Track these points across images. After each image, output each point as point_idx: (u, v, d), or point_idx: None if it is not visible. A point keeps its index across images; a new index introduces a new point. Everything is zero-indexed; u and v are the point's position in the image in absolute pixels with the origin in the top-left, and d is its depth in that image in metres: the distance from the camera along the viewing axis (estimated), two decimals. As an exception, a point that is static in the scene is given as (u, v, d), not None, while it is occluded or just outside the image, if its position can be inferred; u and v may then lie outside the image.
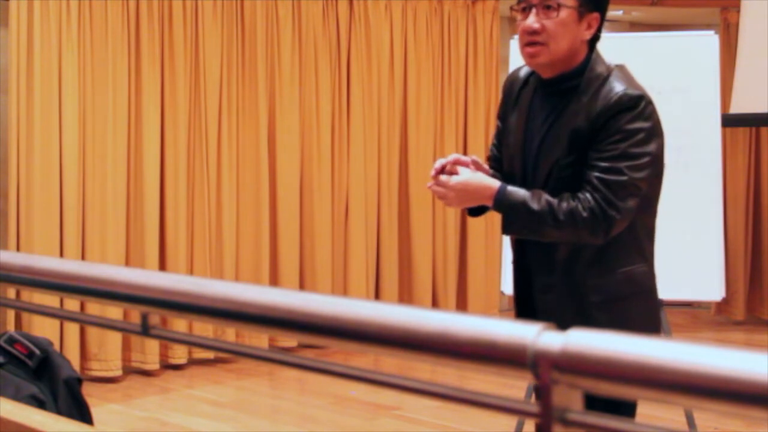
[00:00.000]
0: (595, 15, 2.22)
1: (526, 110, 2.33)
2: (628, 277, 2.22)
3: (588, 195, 2.12)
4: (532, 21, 2.20)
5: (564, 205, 2.13)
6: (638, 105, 2.14)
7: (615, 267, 2.21)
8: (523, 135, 2.31)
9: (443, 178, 2.23)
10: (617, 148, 2.12)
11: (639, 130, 2.13)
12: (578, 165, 2.17)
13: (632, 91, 2.15)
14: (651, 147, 2.16)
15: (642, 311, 2.26)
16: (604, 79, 2.18)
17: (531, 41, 2.22)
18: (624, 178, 2.11)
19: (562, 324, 2.13)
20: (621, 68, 2.24)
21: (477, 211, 2.35)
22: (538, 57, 2.22)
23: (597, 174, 2.12)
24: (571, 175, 2.18)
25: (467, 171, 2.24)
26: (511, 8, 2.30)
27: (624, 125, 2.12)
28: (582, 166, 2.16)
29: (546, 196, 2.15)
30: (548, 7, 2.18)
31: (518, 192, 2.18)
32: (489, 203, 2.22)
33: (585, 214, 2.10)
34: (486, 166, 2.34)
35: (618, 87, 2.15)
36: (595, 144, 2.14)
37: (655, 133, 2.17)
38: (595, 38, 2.25)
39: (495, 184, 2.21)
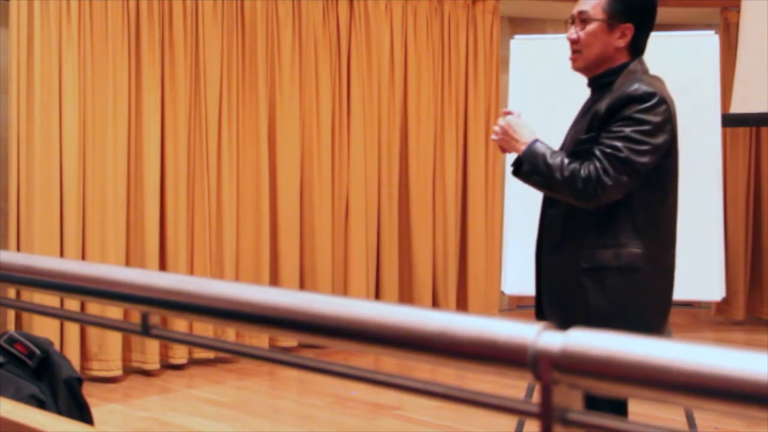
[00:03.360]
0: (628, 25, 2.55)
1: (578, 113, 2.72)
2: (617, 253, 2.49)
3: (589, 163, 2.45)
4: (570, 32, 2.62)
5: (571, 165, 2.47)
6: (650, 99, 2.44)
7: (608, 243, 2.49)
8: (567, 132, 2.71)
9: (500, 119, 2.65)
10: (622, 131, 2.43)
11: (646, 121, 2.44)
12: (590, 143, 2.49)
13: (649, 88, 2.46)
14: (656, 140, 2.45)
15: (629, 287, 2.50)
16: (635, 79, 2.50)
17: (572, 50, 2.62)
18: (622, 155, 2.42)
19: (558, 285, 2.46)
20: (655, 77, 2.57)
21: (518, 169, 2.66)
22: (575, 62, 2.62)
23: (600, 148, 2.45)
24: (583, 152, 2.48)
25: (519, 120, 2.64)
26: (566, 22, 2.68)
27: (633, 113, 2.44)
28: (593, 144, 2.48)
29: (563, 156, 2.51)
30: (582, 21, 2.58)
31: (545, 146, 2.56)
32: (522, 149, 2.57)
33: (583, 175, 2.43)
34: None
35: (639, 83, 2.47)
36: (606, 126, 2.46)
37: (663, 130, 2.46)
38: (635, 45, 2.58)
39: (533, 134, 2.59)
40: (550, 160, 2.50)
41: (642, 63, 2.59)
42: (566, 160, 2.49)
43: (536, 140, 2.57)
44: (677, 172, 2.57)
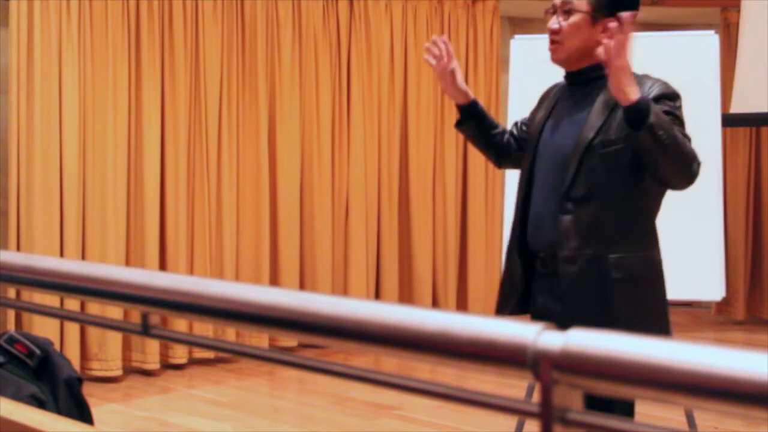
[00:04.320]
0: (611, 19, 2.43)
1: (549, 108, 2.62)
2: (647, 261, 2.41)
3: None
4: (552, 22, 2.53)
5: (673, 131, 2.28)
6: (678, 99, 2.42)
7: (637, 249, 2.40)
8: (542, 126, 2.59)
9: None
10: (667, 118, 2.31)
11: (679, 117, 2.39)
12: (620, 143, 2.36)
13: (673, 88, 2.42)
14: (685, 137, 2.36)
15: (654, 298, 2.43)
16: (636, 75, 2.39)
17: (551, 39, 2.54)
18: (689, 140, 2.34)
19: (581, 297, 2.23)
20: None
21: (462, 122, 2.67)
22: (555, 53, 2.54)
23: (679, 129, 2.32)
24: (612, 154, 2.37)
25: None
26: (545, 11, 2.60)
27: (671, 109, 2.36)
28: (624, 143, 2.34)
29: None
30: (565, 11, 2.50)
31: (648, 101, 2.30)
32: (636, 94, 2.24)
33: (690, 145, 2.31)
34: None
35: (657, 80, 2.43)
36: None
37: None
38: None
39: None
40: (666, 120, 2.27)
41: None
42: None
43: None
44: None
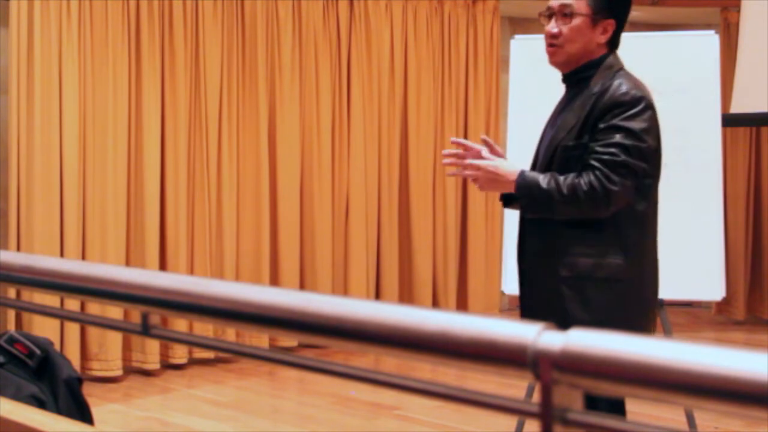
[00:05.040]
0: (610, 21, 2.51)
1: (553, 111, 2.66)
2: (600, 264, 2.42)
3: (588, 173, 2.37)
4: (551, 26, 2.53)
5: (567, 181, 2.38)
6: (638, 105, 2.39)
7: (590, 253, 2.43)
8: (543, 129, 2.65)
9: (474, 161, 2.54)
10: (613, 138, 2.37)
11: (635, 127, 2.38)
12: (581, 149, 2.42)
13: (636, 92, 2.41)
14: (645, 144, 2.39)
15: (610, 299, 2.43)
16: (614, 75, 2.45)
17: (550, 43, 2.54)
18: (620, 158, 2.35)
19: (535, 289, 2.37)
20: (631, 75, 2.51)
21: (509, 201, 2.60)
22: (555, 56, 2.55)
23: (595, 156, 2.38)
24: (574, 158, 2.42)
25: (494, 157, 2.56)
26: (539, 14, 2.60)
27: (622, 122, 2.38)
28: (584, 150, 2.41)
29: (555, 176, 2.41)
30: (565, 15, 2.51)
31: (533, 174, 2.46)
32: (512, 187, 2.47)
33: (585, 188, 2.35)
34: (498, 147, 2.64)
35: (625, 86, 2.42)
36: (595, 134, 2.40)
37: (650, 132, 2.41)
38: (614, 40, 2.54)
39: (517, 168, 2.48)
40: (545, 186, 2.39)
41: (617, 58, 2.55)
42: (561, 178, 2.39)
43: (522, 171, 2.47)
44: (659, 180, 2.51)
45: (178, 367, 5.54)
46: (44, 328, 4.80)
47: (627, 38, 2.63)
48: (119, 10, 5.31)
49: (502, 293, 4.87)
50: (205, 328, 5.30)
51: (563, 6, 2.51)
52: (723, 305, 6.98)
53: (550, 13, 2.55)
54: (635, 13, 7.21)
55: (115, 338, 5.23)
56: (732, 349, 0.70)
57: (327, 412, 4.66)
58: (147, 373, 5.39)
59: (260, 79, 5.81)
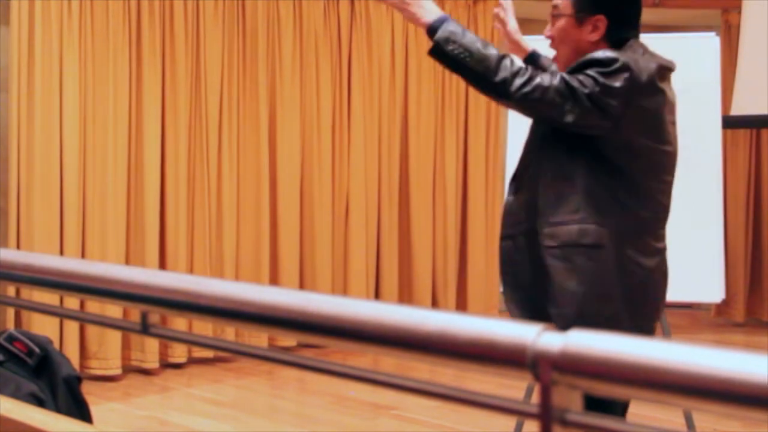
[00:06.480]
0: (599, 17, 2.39)
1: None
2: (582, 230, 2.32)
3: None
4: (546, 30, 2.50)
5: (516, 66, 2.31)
6: (611, 64, 2.27)
7: (569, 220, 2.33)
8: None
9: None
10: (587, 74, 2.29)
11: (604, 83, 2.26)
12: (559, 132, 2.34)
13: (611, 53, 2.30)
14: (614, 101, 2.27)
15: (597, 265, 2.33)
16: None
17: (550, 46, 2.52)
18: (586, 90, 2.26)
19: (520, 269, 2.29)
20: (635, 48, 2.40)
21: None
22: (555, 59, 2.53)
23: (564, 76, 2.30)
24: (556, 132, 2.34)
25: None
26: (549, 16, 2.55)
27: (592, 72, 2.28)
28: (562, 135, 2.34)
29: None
30: (554, 16, 2.47)
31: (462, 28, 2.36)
32: (429, 17, 2.41)
33: (537, 80, 2.28)
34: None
35: (624, 53, 2.32)
36: None
37: (621, 94, 2.28)
38: (612, 37, 2.40)
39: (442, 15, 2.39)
40: (484, 49, 2.31)
41: (632, 47, 2.40)
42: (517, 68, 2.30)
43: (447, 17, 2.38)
44: (643, 150, 2.36)
45: (177, 366, 5.53)
46: (43, 327, 4.80)
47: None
48: (120, 10, 5.31)
49: (502, 293, 4.86)
50: (204, 328, 5.30)
51: (552, 7, 2.47)
52: (723, 307, 6.98)
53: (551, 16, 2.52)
54: (636, 15, 7.21)
55: (115, 337, 5.23)
56: (731, 351, 0.70)
57: (326, 411, 4.66)
58: (146, 372, 5.39)
59: (261, 79, 5.81)
